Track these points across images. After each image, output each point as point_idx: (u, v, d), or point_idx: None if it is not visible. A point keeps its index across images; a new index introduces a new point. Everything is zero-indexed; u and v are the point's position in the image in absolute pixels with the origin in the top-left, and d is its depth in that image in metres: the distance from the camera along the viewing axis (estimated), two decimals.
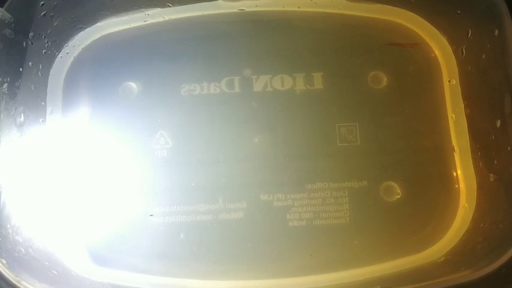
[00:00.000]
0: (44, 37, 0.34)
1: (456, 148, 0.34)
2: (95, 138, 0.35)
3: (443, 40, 0.35)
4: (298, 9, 0.37)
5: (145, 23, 0.37)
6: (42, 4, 0.33)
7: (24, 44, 0.33)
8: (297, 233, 0.33)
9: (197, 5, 0.36)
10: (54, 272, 0.30)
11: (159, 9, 0.36)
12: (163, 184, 0.34)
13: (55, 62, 0.35)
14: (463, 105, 0.34)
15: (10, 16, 0.31)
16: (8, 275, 0.27)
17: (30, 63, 0.33)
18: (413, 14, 0.36)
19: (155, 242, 0.33)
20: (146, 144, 0.34)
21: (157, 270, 0.32)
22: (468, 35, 0.33)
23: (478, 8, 0.32)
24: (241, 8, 0.37)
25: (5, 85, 0.31)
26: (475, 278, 0.28)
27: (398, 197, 0.33)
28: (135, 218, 0.33)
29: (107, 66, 0.36)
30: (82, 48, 0.36)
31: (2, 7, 0.31)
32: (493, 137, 0.32)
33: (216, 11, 0.37)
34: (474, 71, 0.33)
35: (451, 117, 0.34)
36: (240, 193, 0.33)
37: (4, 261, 0.27)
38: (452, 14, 0.34)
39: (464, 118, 0.34)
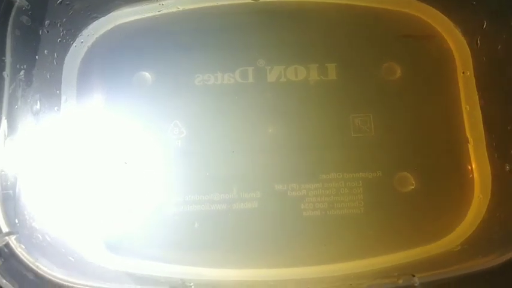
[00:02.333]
0: (60, 25, 0.34)
1: (470, 139, 0.34)
2: (109, 127, 0.35)
3: (457, 32, 0.35)
4: None
5: (159, 13, 0.37)
6: None
7: (40, 32, 0.33)
8: (311, 222, 0.33)
9: None
10: (71, 258, 0.30)
11: None
12: (177, 173, 0.34)
13: (70, 51, 0.35)
14: (477, 97, 0.34)
15: (27, 3, 0.31)
16: (27, 259, 0.27)
17: (45, 51, 0.33)
18: (427, 5, 0.36)
19: (170, 231, 0.33)
20: (161, 134, 0.34)
21: (171, 259, 0.33)
22: (483, 26, 0.33)
23: None
24: None
25: (22, 72, 0.31)
26: (492, 265, 0.28)
27: (413, 187, 0.33)
28: (150, 207, 0.33)
29: (120, 55, 0.36)
30: (96, 38, 0.36)
31: None
32: (508, 128, 0.32)
33: (230, 2, 0.37)
34: (489, 62, 0.34)
35: (465, 108, 0.34)
36: (255, 183, 0.34)
37: (23, 246, 0.27)
38: (467, 5, 0.34)
39: (479, 109, 0.34)
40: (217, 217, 0.33)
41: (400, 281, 0.29)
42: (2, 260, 0.26)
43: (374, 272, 0.32)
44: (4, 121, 0.30)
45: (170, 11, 0.37)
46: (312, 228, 0.33)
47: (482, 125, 0.34)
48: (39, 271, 0.27)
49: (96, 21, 0.36)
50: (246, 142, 0.34)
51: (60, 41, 0.34)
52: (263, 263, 0.33)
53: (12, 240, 0.28)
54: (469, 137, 0.34)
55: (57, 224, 0.31)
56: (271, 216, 0.33)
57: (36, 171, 0.32)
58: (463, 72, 0.35)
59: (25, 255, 0.27)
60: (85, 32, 0.36)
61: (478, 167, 0.33)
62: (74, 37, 0.35)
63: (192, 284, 0.31)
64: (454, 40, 0.36)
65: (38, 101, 0.33)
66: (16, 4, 0.31)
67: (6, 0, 0.30)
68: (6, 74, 0.30)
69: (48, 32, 0.33)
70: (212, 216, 0.33)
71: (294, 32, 0.36)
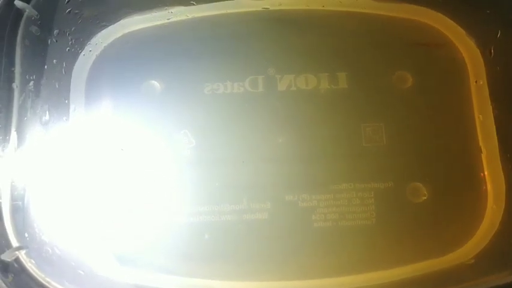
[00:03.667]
0: (68, 34, 0.34)
1: (483, 149, 0.33)
2: (118, 137, 0.34)
3: (470, 41, 0.35)
4: (323, 8, 0.36)
5: (168, 21, 0.36)
6: (68, 1, 0.32)
7: (49, 42, 0.33)
8: (322, 234, 0.32)
9: (221, 3, 0.36)
10: (81, 272, 0.30)
11: (183, 7, 0.36)
12: (187, 184, 0.33)
13: (78, 60, 0.35)
14: (490, 106, 0.34)
15: (36, 13, 0.31)
16: (38, 275, 0.27)
17: (54, 60, 0.33)
18: (439, 13, 0.36)
19: (180, 242, 0.32)
20: (170, 144, 0.34)
21: (182, 271, 0.32)
22: (497, 35, 0.33)
23: (509, 7, 0.32)
24: (265, 7, 0.36)
25: (31, 83, 0.31)
26: (508, 281, 0.27)
27: (425, 198, 0.33)
28: (160, 219, 0.33)
29: (129, 64, 0.36)
30: (104, 46, 0.36)
31: (28, 4, 0.30)
32: None
33: (240, 10, 0.36)
34: (503, 71, 0.33)
35: (478, 118, 0.34)
36: (265, 193, 0.33)
37: (33, 261, 0.27)
38: (481, 13, 0.33)
39: (492, 119, 0.34)
40: (228, 228, 0.33)
41: None
42: (12, 275, 0.26)
43: (387, 284, 0.31)
44: (14, 133, 0.30)
45: (179, 19, 0.36)
46: (323, 240, 0.32)
47: (495, 135, 0.33)
48: (50, 286, 0.27)
49: (104, 30, 0.36)
50: (256, 152, 0.34)
51: (68, 50, 0.34)
52: (274, 275, 0.32)
53: (22, 255, 0.27)
54: (482, 147, 0.34)
55: (66, 236, 0.31)
56: (281, 227, 0.33)
57: (46, 182, 0.32)
58: (476, 81, 0.35)
59: (35, 270, 0.27)
60: (93, 41, 0.35)
61: (492, 178, 0.33)
62: (82, 46, 0.35)
63: None
64: (467, 49, 0.35)
65: (47, 111, 0.32)
66: (25, 14, 0.31)
67: (16, 10, 0.30)
68: (16, 85, 0.30)
69: (56, 41, 0.33)
70: (222, 227, 0.33)
71: (304, 41, 0.36)
